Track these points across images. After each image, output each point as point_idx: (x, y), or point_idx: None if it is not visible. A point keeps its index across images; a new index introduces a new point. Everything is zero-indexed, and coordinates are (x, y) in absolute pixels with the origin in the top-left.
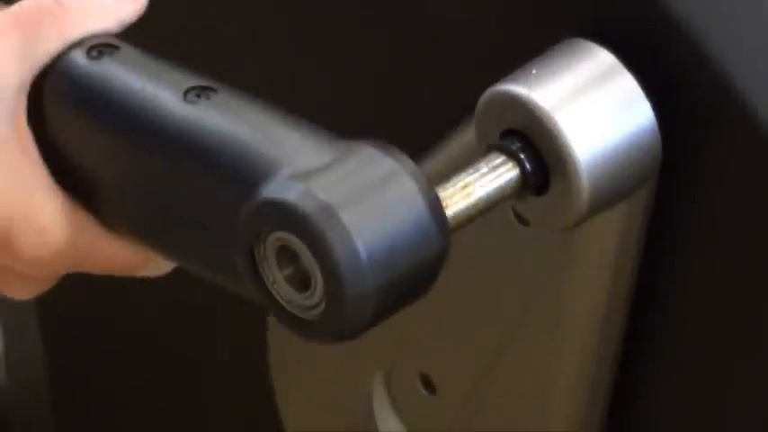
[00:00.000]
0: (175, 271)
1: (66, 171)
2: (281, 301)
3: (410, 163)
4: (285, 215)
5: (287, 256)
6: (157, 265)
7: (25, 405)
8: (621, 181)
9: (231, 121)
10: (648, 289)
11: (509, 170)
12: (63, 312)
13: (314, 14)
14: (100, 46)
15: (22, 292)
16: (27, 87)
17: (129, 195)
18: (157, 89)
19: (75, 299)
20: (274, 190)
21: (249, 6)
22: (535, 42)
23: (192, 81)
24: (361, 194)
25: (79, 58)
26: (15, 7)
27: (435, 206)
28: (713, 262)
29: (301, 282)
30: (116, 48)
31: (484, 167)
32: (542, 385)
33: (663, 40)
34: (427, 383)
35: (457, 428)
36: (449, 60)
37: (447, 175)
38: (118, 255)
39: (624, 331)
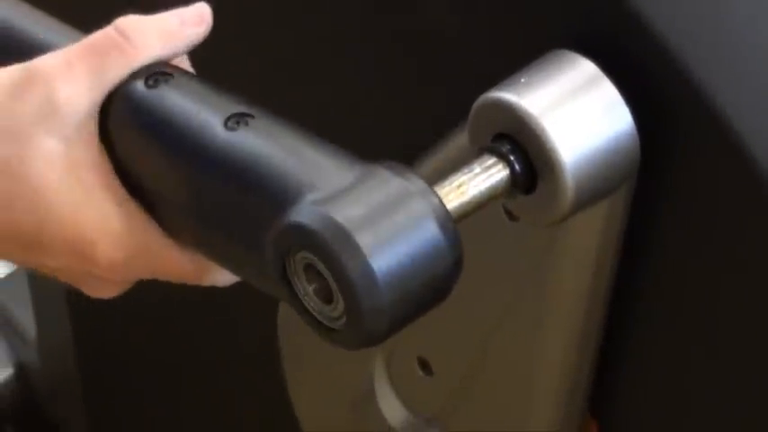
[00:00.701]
0: None
1: (132, 186)
2: (312, 312)
3: (422, 184)
4: (306, 237)
5: (313, 271)
6: (223, 276)
7: (56, 386)
8: (603, 181)
9: (264, 146)
10: (626, 285)
11: (500, 171)
12: (91, 301)
13: (319, 30)
14: (156, 74)
15: (102, 292)
16: (97, 112)
17: (184, 210)
18: (203, 116)
19: None
20: (298, 214)
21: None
22: (524, 53)
23: (233, 107)
24: (375, 217)
25: (139, 85)
26: (86, 39)
27: (446, 224)
28: (687, 259)
29: (326, 295)
30: (170, 75)
31: (477, 168)
32: (529, 369)
33: (641, 51)
34: (425, 366)
35: (451, 408)
36: (446, 70)
37: (443, 174)
38: (183, 263)
39: (604, 322)
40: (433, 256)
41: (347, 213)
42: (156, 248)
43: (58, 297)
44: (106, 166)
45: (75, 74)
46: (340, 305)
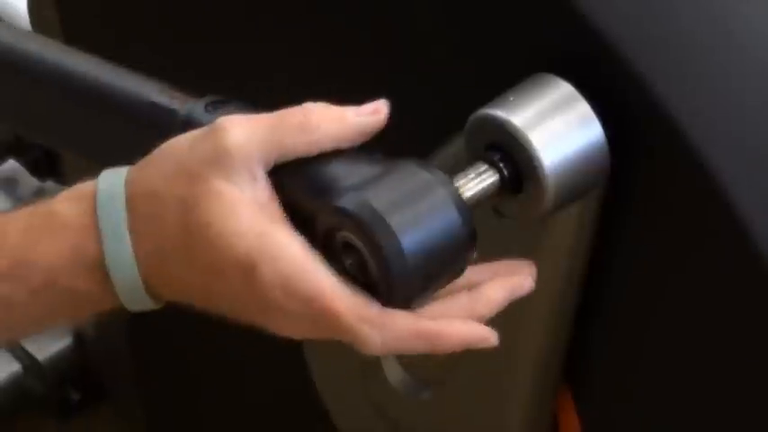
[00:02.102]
0: None
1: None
2: (358, 278)
3: (442, 174)
4: (346, 219)
5: (350, 247)
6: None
7: (108, 353)
8: (578, 184)
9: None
10: (596, 273)
11: (491, 176)
12: None
13: (322, 45)
14: None
15: (283, 326)
16: (267, 167)
17: None
18: None
19: None
20: (340, 200)
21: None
22: (512, 76)
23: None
24: (404, 201)
25: None
26: (278, 112)
27: (463, 209)
28: (648, 253)
29: (361, 267)
30: None
31: (471, 173)
32: (513, 341)
33: (612, 74)
34: None
35: (443, 374)
36: (445, 89)
37: None
38: (340, 294)
39: (578, 302)
40: (451, 236)
41: (381, 199)
42: (317, 274)
43: None
44: (274, 205)
45: (253, 128)
46: (375, 274)
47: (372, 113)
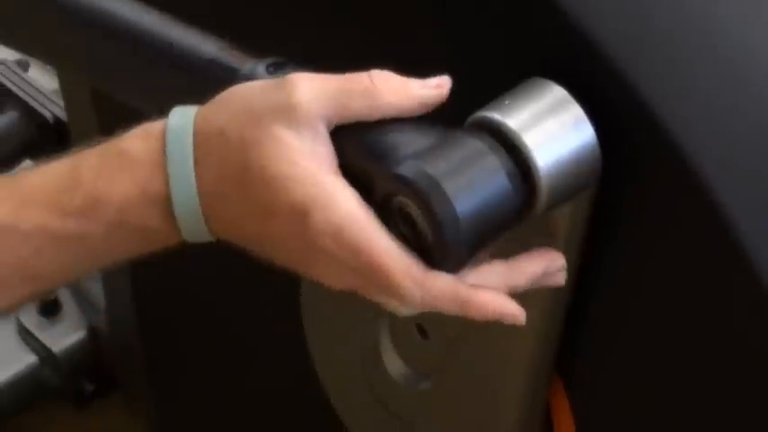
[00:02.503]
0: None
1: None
2: (411, 242)
3: (490, 140)
4: (404, 186)
5: (404, 213)
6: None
7: (120, 346)
8: (570, 184)
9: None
10: (588, 267)
11: None
12: (150, 278)
13: (323, 49)
14: None
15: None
16: (328, 126)
17: None
18: None
19: (163, 265)
20: (398, 167)
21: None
22: (508, 80)
23: None
24: (457, 169)
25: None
26: (346, 75)
27: (512, 174)
28: (638, 254)
29: (416, 230)
30: None
31: None
32: (506, 334)
33: (603, 80)
34: (422, 331)
35: (441, 365)
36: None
37: None
38: (394, 253)
39: (570, 295)
40: (502, 202)
41: (437, 167)
42: (368, 227)
43: (123, 274)
44: (332, 161)
45: (322, 87)
46: (429, 238)
47: (436, 87)
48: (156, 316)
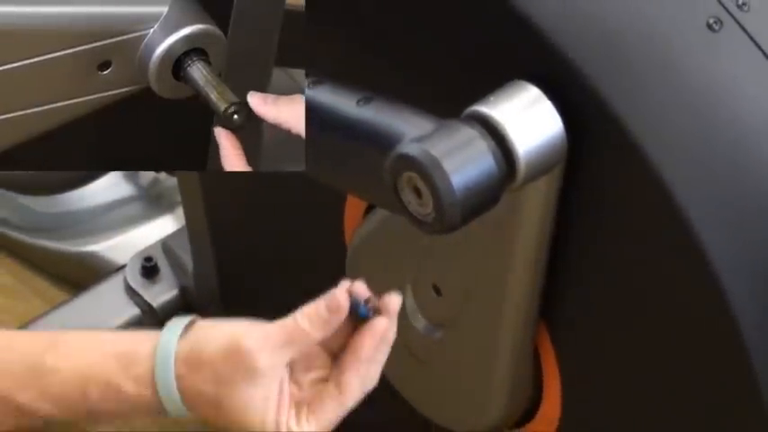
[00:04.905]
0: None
1: None
2: (412, 212)
3: (480, 129)
4: (411, 162)
5: (412, 186)
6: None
7: (205, 302)
8: (543, 162)
9: (384, 115)
10: (561, 232)
11: None
12: (228, 246)
13: (329, 56)
14: None
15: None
16: (286, 363)
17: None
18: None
19: (243, 234)
20: (404, 148)
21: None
22: (493, 82)
23: (363, 94)
24: (453, 150)
25: None
26: (281, 323)
27: (497, 155)
28: (595, 221)
29: (421, 196)
30: None
31: None
32: (502, 289)
33: (569, 83)
34: (437, 290)
35: (453, 318)
36: (438, 93)
37: None
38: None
39: (549, 254)
40: (488, 178)
41: (437, 147)
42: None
43: (206, 244)
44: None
45: (274, 349)
46: (430, 206)
47: (335, 312)
48: (235, 276)
